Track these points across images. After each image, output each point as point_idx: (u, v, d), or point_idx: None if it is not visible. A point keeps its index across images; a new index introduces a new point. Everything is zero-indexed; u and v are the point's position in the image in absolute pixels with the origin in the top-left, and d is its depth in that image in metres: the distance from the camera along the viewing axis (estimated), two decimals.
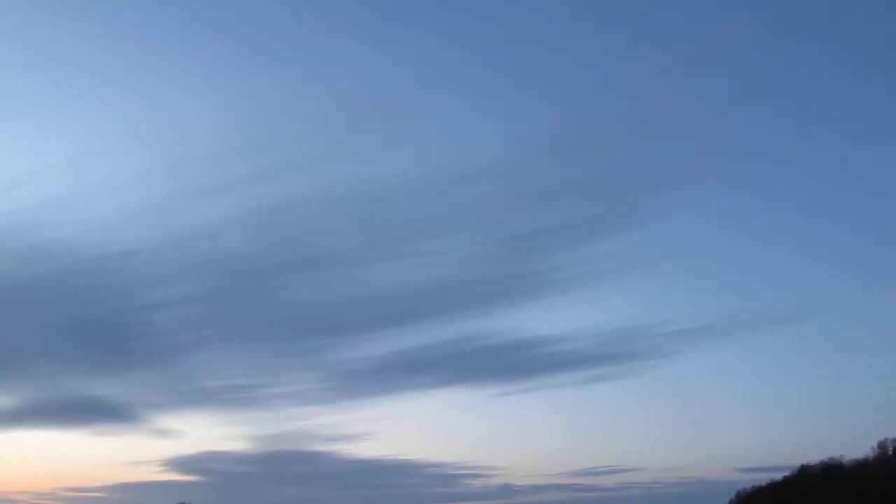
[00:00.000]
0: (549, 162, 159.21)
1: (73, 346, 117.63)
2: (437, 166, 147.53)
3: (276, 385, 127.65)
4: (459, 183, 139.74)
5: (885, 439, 65.70)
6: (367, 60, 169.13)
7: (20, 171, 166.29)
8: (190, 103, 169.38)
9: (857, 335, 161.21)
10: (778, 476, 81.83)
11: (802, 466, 76.13)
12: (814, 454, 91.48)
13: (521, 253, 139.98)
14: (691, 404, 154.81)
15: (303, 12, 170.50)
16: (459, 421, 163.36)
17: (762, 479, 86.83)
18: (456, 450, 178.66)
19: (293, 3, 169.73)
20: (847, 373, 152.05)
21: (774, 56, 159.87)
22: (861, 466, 66.75)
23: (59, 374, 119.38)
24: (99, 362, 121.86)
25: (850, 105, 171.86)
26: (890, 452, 64.68)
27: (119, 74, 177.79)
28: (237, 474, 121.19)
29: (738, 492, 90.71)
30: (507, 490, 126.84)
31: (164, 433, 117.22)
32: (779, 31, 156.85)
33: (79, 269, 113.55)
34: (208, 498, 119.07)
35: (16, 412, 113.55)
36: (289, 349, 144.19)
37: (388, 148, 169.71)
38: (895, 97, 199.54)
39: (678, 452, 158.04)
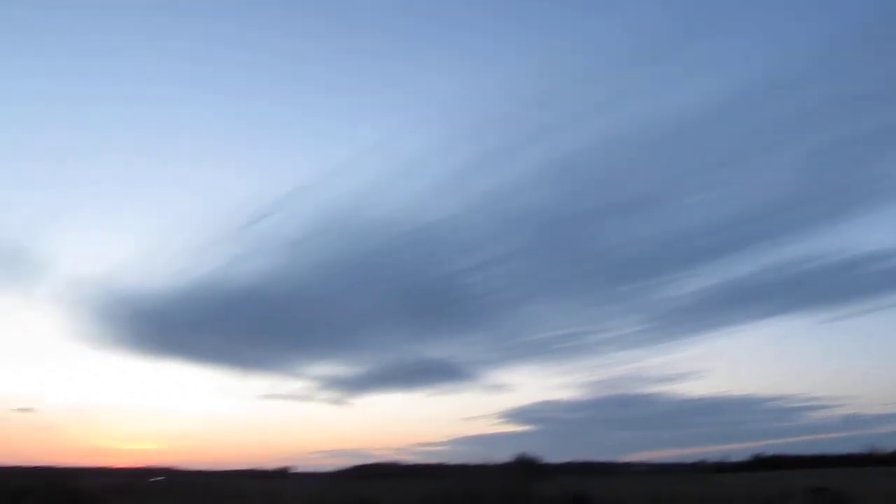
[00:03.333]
0: (860, 63, 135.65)
1: (406, 315, 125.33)
2: (730, 88, 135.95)
3: (598, 332, 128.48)
4: (755, 102, 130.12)
5: None
6: None
7: (340, 159, 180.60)
8: (479, 71, 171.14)
9: None
10: None
11: None
12: None
13: (836, 165, 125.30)
14: None
15: None
16: (790, 351, 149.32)
17: None
18: (790, 382, 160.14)
19: None
20: None
21: None
22: None
23: (398, 341, 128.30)
24: (430, 327, 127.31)
25: None
26: None
27: (417, 55, 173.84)
28: (570, 421, 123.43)
29: None
30: (853, 421, 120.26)
31: (497, 388, 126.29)
32: None
33: (399, 242, 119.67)
34: (545, 445, 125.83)
35: (366, 379, 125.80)
36: (606, 295, 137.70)
37: (672, 81, 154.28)
38: None
39: None
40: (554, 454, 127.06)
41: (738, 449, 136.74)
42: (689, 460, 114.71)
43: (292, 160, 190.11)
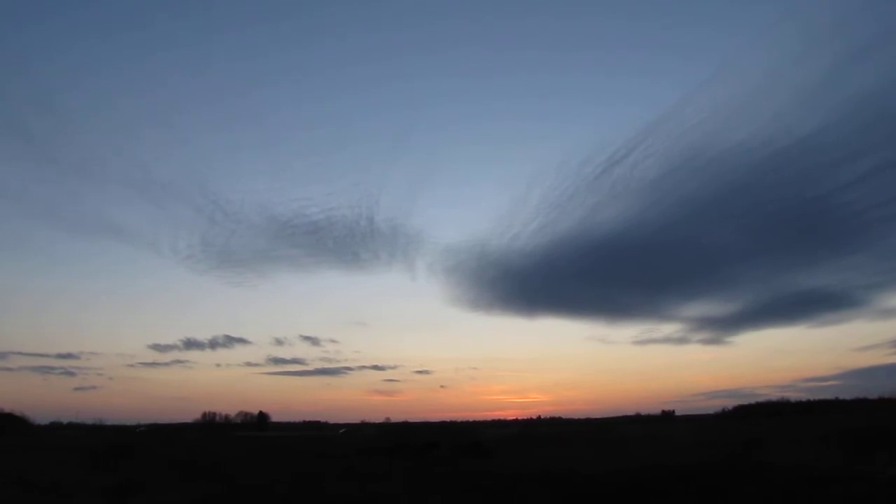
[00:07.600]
0: None
1: (779, 244, 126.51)
2: None
3: None
4: None
5: None
6: None
7: (683, 90, 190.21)
8: None
9: None
10: None
11: None
12: None
13: None
14: None
15: None
16: None
17: None
18: None
19: None
20: None
21: None
22: None
23: (772, 273, 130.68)
24: (807, 254, 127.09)
25: None
26: None
27: None
28: None
29: None
30: None
31: (891, 313, 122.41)
32: None
33: (762, 167, 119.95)
34: None
35: (742, 316, 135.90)
36: None
37: None
38: None
39: None
40: None
41: None
42: None
43: (633, 101, 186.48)
